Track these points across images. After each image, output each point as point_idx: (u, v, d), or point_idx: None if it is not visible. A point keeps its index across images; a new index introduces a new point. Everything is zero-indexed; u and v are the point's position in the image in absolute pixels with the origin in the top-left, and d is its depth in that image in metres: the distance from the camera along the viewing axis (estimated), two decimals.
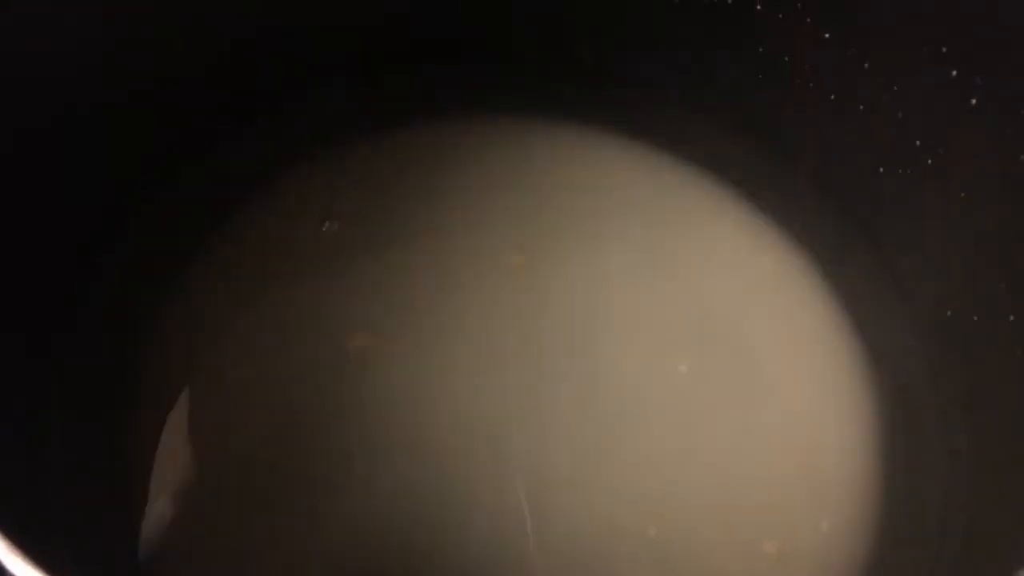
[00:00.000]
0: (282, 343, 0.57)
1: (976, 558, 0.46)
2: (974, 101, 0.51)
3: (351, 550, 0.52)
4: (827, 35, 0.55)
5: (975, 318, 0.53)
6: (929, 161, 0.54)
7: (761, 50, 0.58)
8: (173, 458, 0.53)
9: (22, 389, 0.51)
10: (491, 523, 0.53)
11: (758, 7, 0.57)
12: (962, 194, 0.53)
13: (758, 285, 0.60)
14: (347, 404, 0.55)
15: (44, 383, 0.53)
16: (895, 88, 0.54)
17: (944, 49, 0.51)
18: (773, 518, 0.54)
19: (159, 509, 0.52)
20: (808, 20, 0.56)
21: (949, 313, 0.55)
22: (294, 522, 0.52)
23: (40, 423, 0.51)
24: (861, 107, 0.56)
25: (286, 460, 0.54)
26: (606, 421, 0.55)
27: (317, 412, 0.55)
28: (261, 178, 0.61)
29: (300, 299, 0.58)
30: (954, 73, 0.51)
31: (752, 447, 0.55)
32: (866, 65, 0.54)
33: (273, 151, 0.62)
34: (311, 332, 0.57)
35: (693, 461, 0.55)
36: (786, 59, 0.58)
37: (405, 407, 0.55)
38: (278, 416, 0.55)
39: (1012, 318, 0.51)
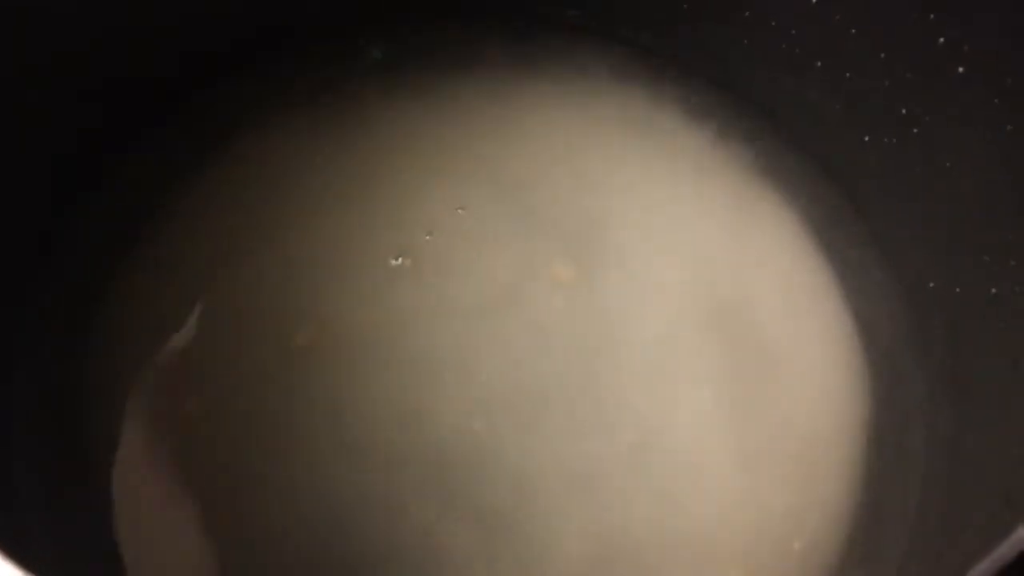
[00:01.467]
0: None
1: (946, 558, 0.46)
2: (961, 69, 0.50)
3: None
4: (814, 0, 0.54)
5: (958, 289, 0.53)
6: (915, 130, 0.53)
7: (747, 14, 0.57)
8: (136, 445, 0.54)
9: None
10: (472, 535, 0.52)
11: None
12: (947, 164, 0.52)
13: (750, 252, 0.59)
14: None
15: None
16: (882, 55, 0.53)
17: (932, 16, 0.50)
18: (743, 541, 0.53)
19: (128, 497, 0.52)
20: None
21: (932, 284, 0.54)
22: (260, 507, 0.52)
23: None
24: (847, 74, 0.55)
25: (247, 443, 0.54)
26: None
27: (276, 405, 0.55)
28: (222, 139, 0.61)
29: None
30: (941, 40, 0.50)
31: (732, 457, 0.55)
32: (853, 31, 0.54)
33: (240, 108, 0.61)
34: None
35: (653, 483, 0.54)
36: (772, 24, 0.57)
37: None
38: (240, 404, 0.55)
39: (994, 291, 0.50)
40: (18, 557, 0.36)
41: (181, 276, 0.57)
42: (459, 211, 0.59)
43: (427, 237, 0.58)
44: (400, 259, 0.58)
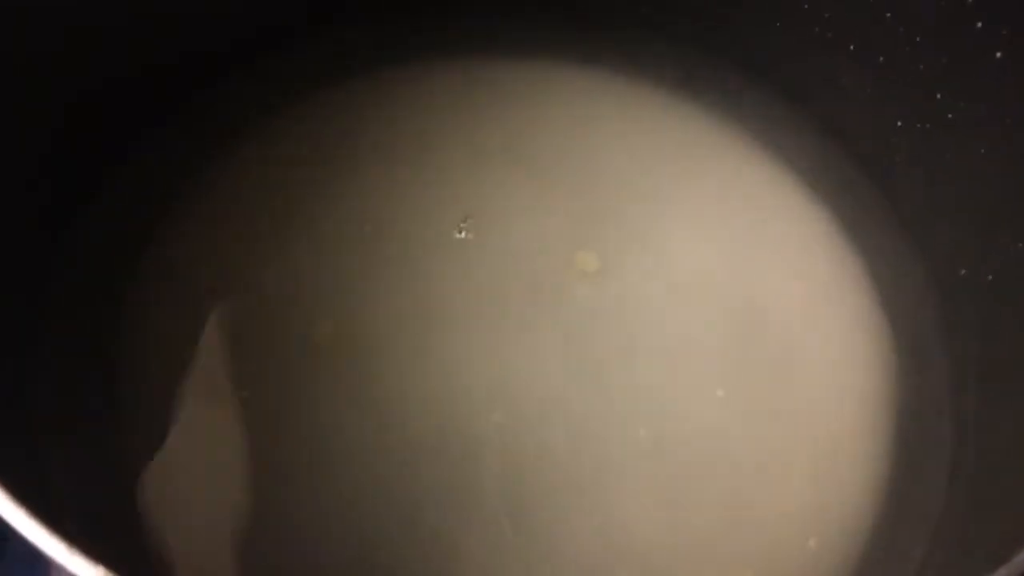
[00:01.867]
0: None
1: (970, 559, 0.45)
2: (999, 55, 0.49)
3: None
4: None
5: (989, 277, 0.52)
6: (949, 115, 0.52)
7: None
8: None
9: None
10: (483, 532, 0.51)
11: None
12: (982, 150, 0.51)
13: (777, 241, 0.58)
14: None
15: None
16: (916, 39, 0.52)
17: (969, 0, 0.49)
18: (755, 540, 0.52)
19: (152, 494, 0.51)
20: None
21: (963, 271, 0.54)
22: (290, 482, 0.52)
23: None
24: (881, 58, 0.54)
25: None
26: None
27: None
28: (248, 125, 0.59)
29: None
30: (979, 25, 0.49)
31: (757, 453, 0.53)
32: (888, 15, 0.53)
33: (262, 96, 0.60)
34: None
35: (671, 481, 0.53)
36: (805, 6, 0.56)
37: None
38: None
39: None
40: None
41: (193, 276, 0.56)
42: (476, 207, 0.58)
43: (444, 232, 0.57)
44: (417, 256, 0.56)
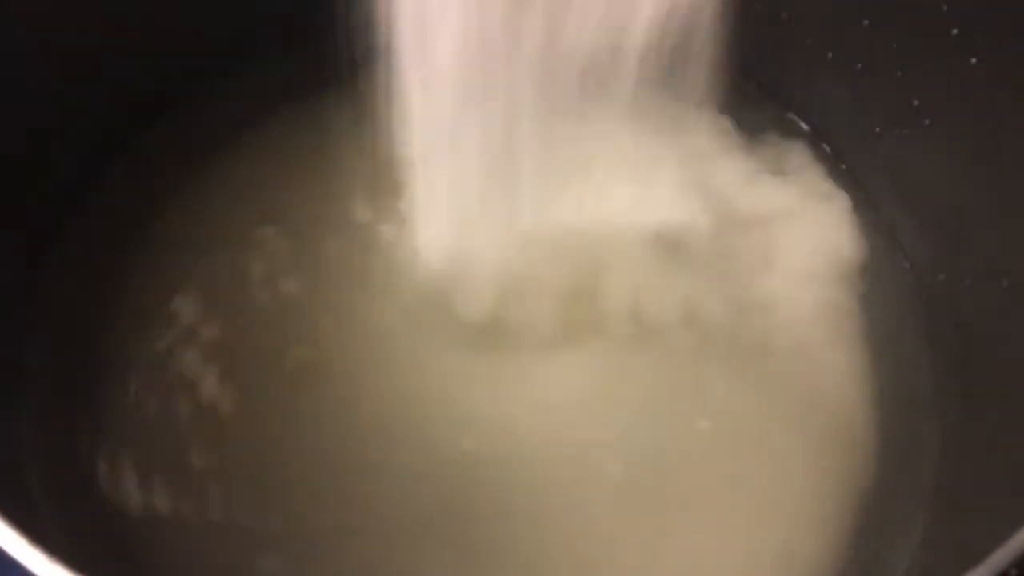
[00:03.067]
0: None
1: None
2: (974, 60, 0.49)
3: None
4: None
5: (968, 282, 0.53)
6: (926, 121, 0.53)
7: (757, 5, 0.56)
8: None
9: None
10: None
11: None
12: (959, 155, 0.52)
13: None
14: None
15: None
16: (894, 46, 0.53)
17: (945, 7, 0.49)
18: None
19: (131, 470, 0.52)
20: None
21: (943, 276, 0.54)
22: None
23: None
24: (859, 65, 0.55)
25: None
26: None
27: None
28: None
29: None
30: (955, 32, 0.50)
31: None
32: (865, 22, 0.53)
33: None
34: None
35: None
36: (783, 15, 0.56)
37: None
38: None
39: (1006, 283, 0.50)
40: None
41: (192, 277, 0.57)
42: None
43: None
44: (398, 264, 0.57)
